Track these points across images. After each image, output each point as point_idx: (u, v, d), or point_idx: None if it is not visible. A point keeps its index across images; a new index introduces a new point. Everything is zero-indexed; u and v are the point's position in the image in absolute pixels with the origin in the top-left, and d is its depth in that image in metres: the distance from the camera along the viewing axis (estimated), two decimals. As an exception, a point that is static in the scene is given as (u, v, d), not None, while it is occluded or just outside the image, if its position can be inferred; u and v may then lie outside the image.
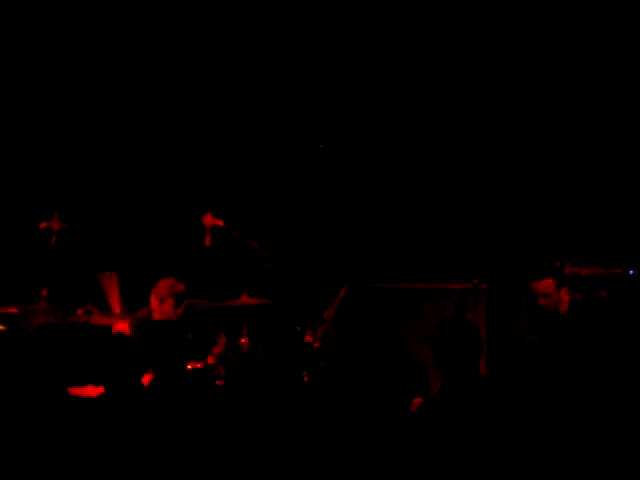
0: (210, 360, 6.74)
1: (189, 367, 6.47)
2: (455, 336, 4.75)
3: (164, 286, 6.78)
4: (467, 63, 8.08)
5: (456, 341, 4.73)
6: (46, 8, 7.95)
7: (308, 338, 6.85)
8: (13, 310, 6.78)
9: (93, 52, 8.18)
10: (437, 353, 4.78)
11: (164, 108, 8.39)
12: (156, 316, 6.77)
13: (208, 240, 7.20)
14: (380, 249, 8.42)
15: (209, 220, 7.21)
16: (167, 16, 8.14)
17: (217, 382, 6.49)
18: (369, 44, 8.19)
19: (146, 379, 6.37)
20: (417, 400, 5.00)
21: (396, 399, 4.91)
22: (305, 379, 6.72)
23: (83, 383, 5.71)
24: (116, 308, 7.62)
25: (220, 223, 7.25)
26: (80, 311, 6.92)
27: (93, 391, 5.91)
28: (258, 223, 8.11)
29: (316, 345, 6.87)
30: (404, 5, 8.06)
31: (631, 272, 6.67)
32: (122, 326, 6.95)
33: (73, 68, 8.19)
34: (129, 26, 8.13)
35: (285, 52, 8.29)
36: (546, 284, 6.83)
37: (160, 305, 6.73)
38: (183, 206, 8.18)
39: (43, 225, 7.08)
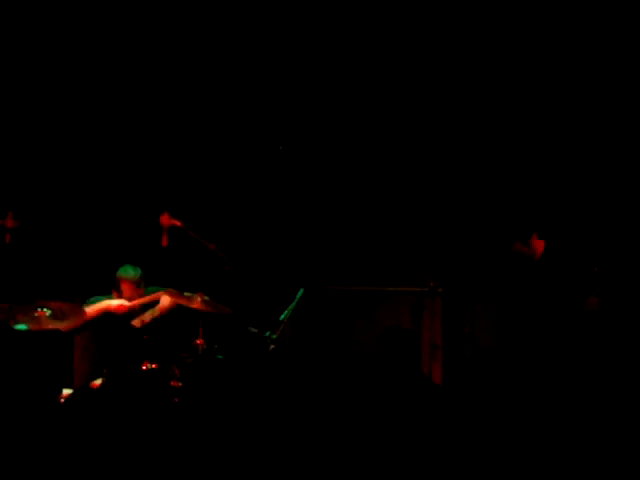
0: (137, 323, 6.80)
1: (144, 368, 6.45)
2: (392, 345, 4.79)
3: (134, 281, 6.88)
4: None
5: (393, 350, 4.77)
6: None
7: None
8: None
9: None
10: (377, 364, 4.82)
11: (123, 106, 8.33)
12: (121, 308, 6.81)
13: (165, 240, 7.18)
14: (338, 252, 8.43)
15: (166, 220, 7.19)
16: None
17: (172, 383, 6.47)
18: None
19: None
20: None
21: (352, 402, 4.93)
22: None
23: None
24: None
25: (177, 223, 7.22)
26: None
27: None
28: (216, 224, 8.08)
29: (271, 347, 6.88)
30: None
31: None
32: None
33: (39, 67, 8.13)
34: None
35: (254, 49, 8.28)
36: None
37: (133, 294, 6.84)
38: (140, 205, 8.13)
39: (-3, 223, 7.00)
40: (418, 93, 8.23)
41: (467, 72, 8.08)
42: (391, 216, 8.40)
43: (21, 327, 6.24)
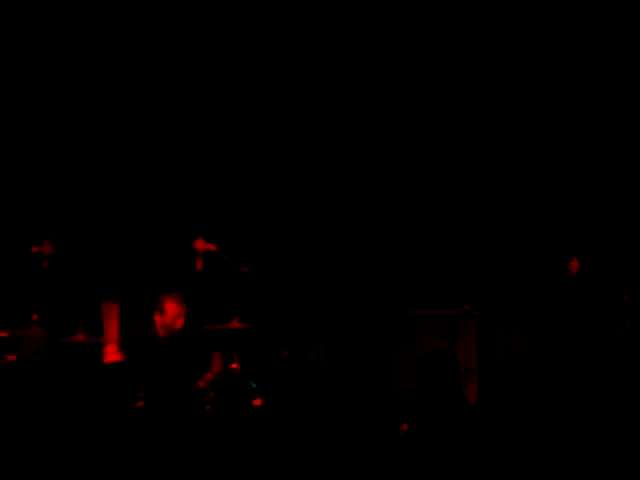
0: (201, 384, 6.76)
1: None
2: (433, 369, 4.78)
3: (178, 303, 6.92)
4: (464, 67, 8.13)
5: (434, 372, 4.76)
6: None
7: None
8: (3, 334, 6.78)
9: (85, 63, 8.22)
10: (417, 385, 4.81)
11: (158, 132, 8.42)
12: (164, 332, 6.88)
13: (199, 265, 7.23)
14: (375, 275, 8.43)
15: (200, 245, 7.24)
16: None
17: (206, 407, 6.51)
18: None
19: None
20: (404, 427, 5.01)
21: (384, 425, 4.93)
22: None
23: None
24: (112, 334, 7.62)
25: (212, 248, 7.27)
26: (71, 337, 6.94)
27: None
28: (250, 249, 8.12)
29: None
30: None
31: None
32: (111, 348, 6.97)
33: (67, 87, 8.23)
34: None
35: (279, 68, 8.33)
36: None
37: (174, 321, 6.87)
38: (175, 231, 8.21)
39: (35, 249, 7.08)
40: (452, 114, 8.22)
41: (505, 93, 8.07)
42: (427, 241, 8.39)
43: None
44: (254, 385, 6.80)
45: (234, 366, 6.97)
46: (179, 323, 7.00)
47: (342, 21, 8.17)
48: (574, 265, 6.66)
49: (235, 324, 7.08)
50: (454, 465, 4.45)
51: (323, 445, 5.03)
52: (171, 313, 7.04)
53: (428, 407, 4.78)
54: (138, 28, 8.09)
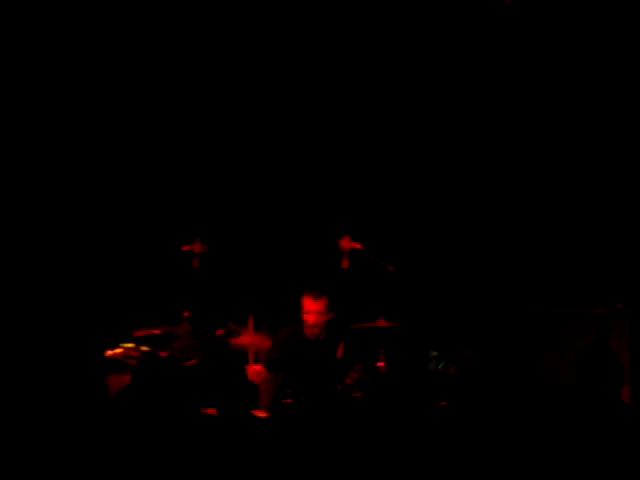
0: (348, 381, 6.78)
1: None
2: (596, 364, 4.63)
3: (322, 302, 7.00)
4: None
5: (597, 369, 4.61)
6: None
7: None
8: (156, 332, 6.95)
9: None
10: (577, 381, 4.67)
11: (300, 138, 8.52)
12: (310, 331, 6.94)
13: (345, 263, 7.24)
14: (521, 274, 8.29)
15: (346, 243, 7.25)
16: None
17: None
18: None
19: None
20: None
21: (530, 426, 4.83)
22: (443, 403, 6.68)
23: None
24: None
25: (358, 246, 7.27)
26: (220, 332, 7.06)
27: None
28: (396, 247, 8.10)
29: (452, 371, 6.82)
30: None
31: None
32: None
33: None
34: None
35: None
36: None
37: (319, 320, 6.95)
38: (321, 229, 8.26)
39: (185, 248, 7.23)
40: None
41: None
42: (576, 238, 8.21)
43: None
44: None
45: (380, 364, 6.96)
46: (317, 320, 7.04)
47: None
48: None
49: (381, 323, 7.07)
50: (607, 460, 4.33)
51: (477, 442, 4.96)
52: (308, 309, 7.10)
53: (584, 402, 4.64)
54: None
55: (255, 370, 6.99)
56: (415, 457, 4.85)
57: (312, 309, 7.12)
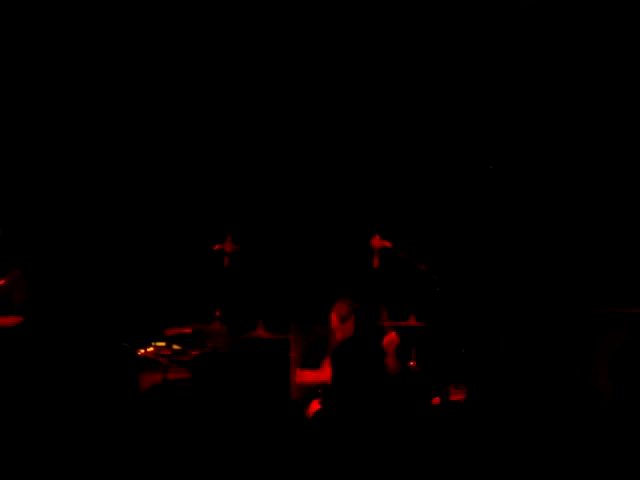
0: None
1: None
2: (632, 365, 4.59)
3: (344, 305, 6.96)
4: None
5: (633, 371, 4.57)
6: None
7: None
8: (187, 330, 6.99)
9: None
10: (613, 374, 4.63)
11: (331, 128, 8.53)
12: (338, 335, 6.93)
13: (376, 262, 7.24)
14: (554, 273, 8.24)
15: (377, 242, 7.25)
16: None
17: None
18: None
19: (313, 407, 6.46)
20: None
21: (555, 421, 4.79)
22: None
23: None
24: None
25: (388, 245, 7.26)
26: (251, 333, 7.09)
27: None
28: (427, 245, 8.09)
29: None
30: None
31: None
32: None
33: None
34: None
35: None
36: None
37: (342, 324, 6.92)
38: (352, 228, 8.26)
39: (217, 247, 7.25)
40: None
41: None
42: (608, 237, 8.15)
43: None
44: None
45: (412, 364, 6.95)
46: (349, 325, 7.02)
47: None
48: None
49: (412, 322, 7.06)
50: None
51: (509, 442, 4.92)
52: (342, 315, 7.09)
53: (622, 404, 4.60)
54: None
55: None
56: (432, 453, 4.82)
57: (338, 313, 7.10)
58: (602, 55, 7.92)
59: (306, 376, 7.00)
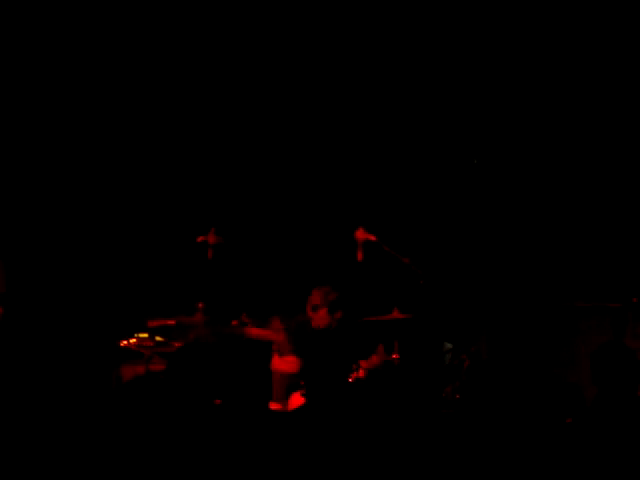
0: (361, 373, 6.77)
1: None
2: (613, 364, 4.60)
3: (317, 294, 6.92)
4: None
5: (615, 367, 4.58)
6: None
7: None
8: (170, 322, 6.97)
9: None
10: (596, 377, 4.64)
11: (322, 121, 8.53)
12: (313, 324, 6.92)
13: (360, 255, 7.22)
14: (536, 267, 8.26)
15: (361, 235, 7.23)
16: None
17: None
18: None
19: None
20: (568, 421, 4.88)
21: (549, 418, 4.80)
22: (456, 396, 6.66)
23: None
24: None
25: (372, 238, 7.25)
26: (234, 322, 7.08)
27: None
28: (411, 239, 8.09)
29: (466, 363, 6.79)
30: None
31: None
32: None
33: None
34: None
35: None
36: None
37: (314, 313, 6.88)
38: (335, 221, 8.26)
39: (200, 239, 7.23)
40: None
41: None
42: (591, 232, 8.18)
43: None
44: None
45: (395, 357, 6.95)
46: (320, 315, 6.98)
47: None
48: None
49: (395, 315, 7.05)
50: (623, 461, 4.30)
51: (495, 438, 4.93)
52: (313, 303, 7.06)
53: (603, 402, 4.61)
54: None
55: (287, 361, 6.97)
56: (425, 452, 4.83)
57: (313, 303, 7.06)
58: (584, 45, 7.95)
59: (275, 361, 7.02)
